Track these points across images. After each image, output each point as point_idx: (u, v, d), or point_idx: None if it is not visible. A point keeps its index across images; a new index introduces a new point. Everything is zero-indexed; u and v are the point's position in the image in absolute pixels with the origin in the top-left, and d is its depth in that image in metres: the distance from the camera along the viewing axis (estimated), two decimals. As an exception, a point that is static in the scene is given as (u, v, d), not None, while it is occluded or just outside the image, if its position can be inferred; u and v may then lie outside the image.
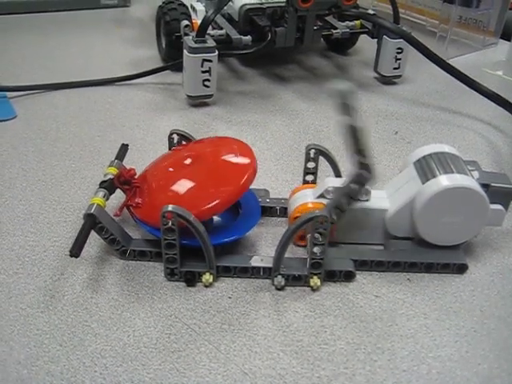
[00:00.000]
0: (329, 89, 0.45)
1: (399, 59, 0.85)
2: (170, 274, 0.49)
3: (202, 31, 0.73)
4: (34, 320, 0.44)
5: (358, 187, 0.49)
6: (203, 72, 0.74)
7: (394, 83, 0.88)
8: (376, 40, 0.87)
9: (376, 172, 0.48)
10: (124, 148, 0.59)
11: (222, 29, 0.80)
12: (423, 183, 0.50)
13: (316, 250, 0.47)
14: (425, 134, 0.74)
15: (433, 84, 0.88)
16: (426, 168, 0.52)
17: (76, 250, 0.45)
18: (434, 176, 0.50)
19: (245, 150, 0.52)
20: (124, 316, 0.45)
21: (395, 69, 0.86)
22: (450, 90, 0.86)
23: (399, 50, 0.84)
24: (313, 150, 0.55)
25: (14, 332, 0.43)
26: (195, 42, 0.73)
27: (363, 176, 0.48)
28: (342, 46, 0.97)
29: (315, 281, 0.48)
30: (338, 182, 0.52)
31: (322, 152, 0.55)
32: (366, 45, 0.97)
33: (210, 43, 0.73)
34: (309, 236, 0.50)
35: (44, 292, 0.47)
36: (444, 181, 0.49)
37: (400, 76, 0.87)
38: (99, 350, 0.42)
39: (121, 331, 0.44)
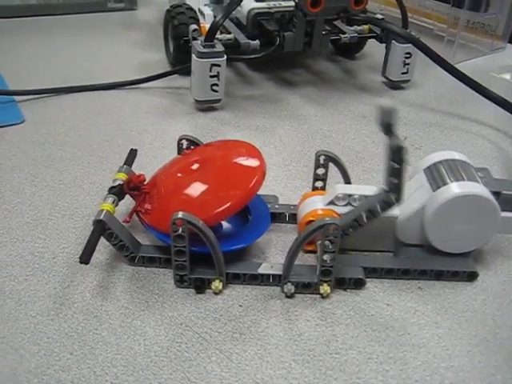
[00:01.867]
0: (375, 106, 0.45)
1: (408, 64, 0.85)
2: (180, 281, 0.48)
3: (210, 36, 0.73)
4: (45, 328, 0.44)
5: (382, 208, 0.48)
6: (211, 76, 0.74)
7: (402, 88, 0.88)
8: (384, 45, 0.86)
9: (403, 195, 0.47)
10: (133, 153, 0.58)
11: (230, 33, 0.80)
12: (434, 190, 0.50)
13: (326, 257, 0.47)
14: (434, 140, 0.73)
15: (441, 89, 0.88)
16: (436, 175, 0.51)
17: (86, 257, 0.45)
18: (445, 183, 0.50)
19: (253, 152, 0.52)
20: (134, 324, 0.45)
21: (403, 73, 0.86)
22: (459, 95, 0.85)
23: (408, 55, 0.84)
24: (322, 157, 0.55)
25: (24, 340, 0.43)
26: (204, 47, 0.73)
27: (391, 198, 0.47)
28: (350, 50, 0.97)
29: (325, 288, 0.48)
30: (347, 189, 0.52)
31: (331, 158, 0.55)
32: (373, 49, 0.97)
33: (219, 48, 0.73)
34: (319, 243, 0.50)
35: (54, 299, 0.47)
36: (455, 188, 0.49)
37: (408, 81, 0.87)
38: (110, 359, 0.42)
39: (131, 340, 0.43)
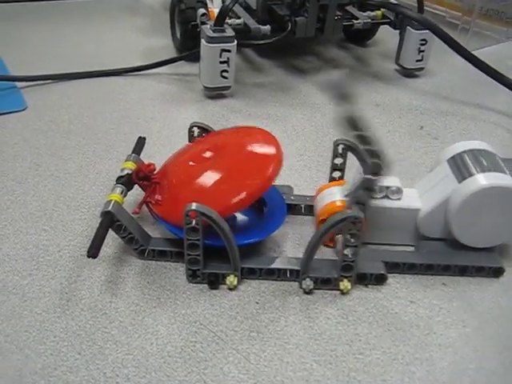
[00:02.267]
0: (321, 82, 0.43)
1: (422, 51, 0.82)
2: (192, 276, 0.46)
3: (220, 20, 0.70)
4: (51, 326, 0.41)
5: (374, 177, 0.45)
6: (221, 62, 0.71)
7: (416, 76, 0.85)
8: (398, 31, 0.84)
9: (387, 157, 0.45)
10: (141, 141, 0.56)
11: (239, 18, 0.77)
12: (459, 182, 0.47)
13: (347, 251, 0.45)
14: (451, 130, 0.71)
15: (456, 77, 0.85)
16: (461, 166, 0.49)
17: (94, 251, 0.42)
18: (471, 174, 0.47)
19: (268, 139, 0.50)
20: (146, 322, 0.42)
21: (418, 61, 0.83)
22: (475, 83, 0.82)
23: (423, 42, 0.81)
24: (341, 145, 0.53)
25: (29, 339, 0.40)
26: (213, 31, 0.70)
27: (376, 164, 0.45)
28: (362, 37, 0.94)
29: (345, 284, 0.46)
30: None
31: (350, 147, 0.53)
32: (385, 36, 0.94)
33: (229, 32, 0.70)
34: (339, 237, 0.47)
35: (60, 295, 0.44)
36: (482, 180, 0.46)
37: (423, 68, 0.84)
38: (120, 360, 0.39)
39: (143, 339, 0.41)
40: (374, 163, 0.45)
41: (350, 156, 0.53)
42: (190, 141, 0.55)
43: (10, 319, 0.42)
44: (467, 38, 0.94)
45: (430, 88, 0.82)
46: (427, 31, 0.78)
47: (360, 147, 0.45)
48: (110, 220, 0.45)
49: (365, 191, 0.46)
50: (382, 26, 0.89)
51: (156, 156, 0.60)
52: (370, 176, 0.45)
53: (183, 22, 0.80)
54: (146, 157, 0.54)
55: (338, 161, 0.53)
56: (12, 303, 0.43)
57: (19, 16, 1.00)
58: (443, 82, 0.83)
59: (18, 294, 0.44)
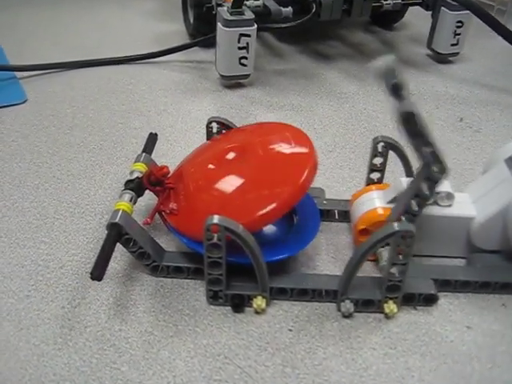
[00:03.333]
0: (373, 68, 0.36)
1: (458, 34, 0.75)
2: (214, 298, 0.40)
3: (238, 1, 0.64)
4: (50, 361, 0.36)
5: (429, 184, 0.39)
6: (240, 48, 0.65)
7: (450, 62, 0.78)
8: (430, 13, 0.77)
9: (446, 163, 0.38)
10: (152, 138, 0.51)
11: (258, -1, 0.71)
12: (522, 187, 0.41)
13: (394, 270, 0.38)
14: (494, 122, 0.64)
15: (494, 63, 0.78)
16: (523, 167, 0.43)
17: (98, 272, 0.37)
18: (536, 177, 0.41)
19: (300, 137, 0.43)
20: (161, 356, 0.36)
21: (453, 45, 0.76)
22: (515, 69, 0.76)
23: (459, 24, 0.74)
24: (381, 144, 0.46)
25: (25, 378, 0.35)
26: (231, 14, 0.64)
27: (434, 171, 0.38)
28: (389, 19, 0.87)
29: (391, 307, 0.40)
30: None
31: (392, 146, 0.46)
32: (413, 18, 0.87)
33: (248, 15, 0.64)
34: (383, 250, 0.41)
35: (61, 322, 0.38)
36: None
37: (458, 53, 0.77)
38: (132, 404, 0.34)
39: (158, 377, 0.35)
40: (429, 166, 0.38)
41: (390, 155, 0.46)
42: (207, 138, 0.48)
43: (4, 353, 0.36)
44: (504, 19, 0.87)
45: (466, 75, 0.75)
46: (464, 12, 0.72)
47: (416, 148, 0.38)
48: (117, 233, 0.40)
49: (416, 200, 0.39)
50: (410, 8, 0.82)
51: (169, 154, 0.55)
52: (424, 182, 0.39)
53: (197, 4, 0.75)
54: (157, 155, 0.49)
55: (378, 160, 0.47)
56: (6, 332, 0.38)
57: (19, 2, 0.94)
58: (481, 69, 0.77)
59: (13, 320, 0.38)
